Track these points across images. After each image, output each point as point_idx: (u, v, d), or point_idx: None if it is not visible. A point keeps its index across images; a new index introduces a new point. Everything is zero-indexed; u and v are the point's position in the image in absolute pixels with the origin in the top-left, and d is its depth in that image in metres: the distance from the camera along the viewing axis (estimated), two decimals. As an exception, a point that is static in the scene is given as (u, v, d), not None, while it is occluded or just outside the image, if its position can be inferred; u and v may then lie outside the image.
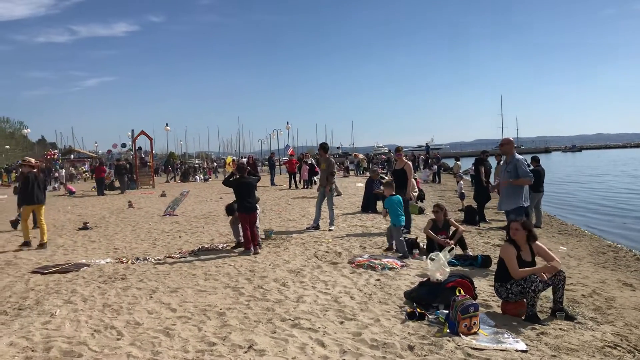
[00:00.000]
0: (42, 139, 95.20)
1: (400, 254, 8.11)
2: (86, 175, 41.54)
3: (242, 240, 8.99)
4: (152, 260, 8.35)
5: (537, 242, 5.53)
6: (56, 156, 50.41)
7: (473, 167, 14.90)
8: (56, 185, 31.06)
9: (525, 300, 5.18)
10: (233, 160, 30.16)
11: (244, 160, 24.34)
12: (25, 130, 64.07)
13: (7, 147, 59.13)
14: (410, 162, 11.15)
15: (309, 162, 25.11)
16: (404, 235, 9.36)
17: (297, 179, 25.56)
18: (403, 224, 8.57)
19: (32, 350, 4.47)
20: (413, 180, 15.81)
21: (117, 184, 27.52)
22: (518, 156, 7.81)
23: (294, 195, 20.14)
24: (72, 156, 59.96)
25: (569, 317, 5.14)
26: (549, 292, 5.44)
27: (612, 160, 59.43)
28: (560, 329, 4.87)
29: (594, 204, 18.80)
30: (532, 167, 12.31)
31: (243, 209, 8.85)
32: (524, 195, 7.73)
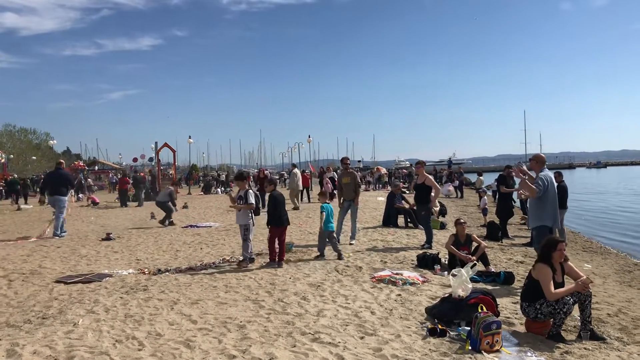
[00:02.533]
0: (67, 151, 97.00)
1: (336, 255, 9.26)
2: (110, 187, 42.01)
3: (249, 257, 8.77)
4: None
5: (568, 262, 5.46)
6: (86, 168, 51.31)
7: (496, 183, 14.78)
8: (80, 196, 31.48)
9: (552, 320, 5.10)
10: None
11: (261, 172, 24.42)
12: (51, 142, 65.09)
13: (34, 158, 60.17)
14: (431, 176, 11.09)
15: (331, 175, 25.10)
16: (425, 249, 9.40)
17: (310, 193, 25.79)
18: (333, 230, 9.46)
19: (55, 359, 4.53)
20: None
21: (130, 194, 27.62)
22: (543, 173, 7.40)
23: (315, 209, 20.13)
24: (96, 167, 60.89)
25: (597, 337, 5.04)
26: (574, 310, 5.35)
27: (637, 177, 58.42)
28: (585, 348, 4.78)
29: (618, 221, 18.49)
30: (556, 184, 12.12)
31: (275, 223, 8.86)
32: (547, 214, 7.38)
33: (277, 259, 8.76)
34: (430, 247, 10.25)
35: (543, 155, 7.78)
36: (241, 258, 8.90)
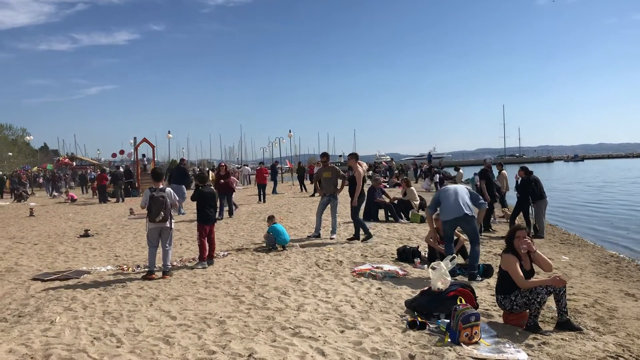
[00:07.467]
0: (44, 146, 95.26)
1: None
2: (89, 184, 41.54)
3: (153, 269, 7.77)
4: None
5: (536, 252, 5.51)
6: (75, 164, 50.68)
7: (477, 177, 14.85)
8: (56, 194, 31.03)
9: (528, 311, 5.15)
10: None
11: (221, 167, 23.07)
12: (27, 137, 64.12)
13: (10, 154, 59.26)
14: (360, 169, 10.73)
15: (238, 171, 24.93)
16: (365, 242, 9.45)
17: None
18: (288, 241, 9.97)
19: (31, 358, 4.45)
20: (413, 189, 15.80)
21: (109, 190, 27.21)
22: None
23: (296, 204, 20.11)
24: (74, 163, 60.14)
25: (573, 328, 5.11)
26: (550, 301, 5.41)
27: (616, 169, 59.32)
28: (562, 339, 4.84)
29: (596, 213, 18.76)
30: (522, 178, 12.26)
31: (204, 220, 8.67)
32: (444, 210, 7.72)
33: (206, 257, 8.54)
34: (357, 239, 10.37)
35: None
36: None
